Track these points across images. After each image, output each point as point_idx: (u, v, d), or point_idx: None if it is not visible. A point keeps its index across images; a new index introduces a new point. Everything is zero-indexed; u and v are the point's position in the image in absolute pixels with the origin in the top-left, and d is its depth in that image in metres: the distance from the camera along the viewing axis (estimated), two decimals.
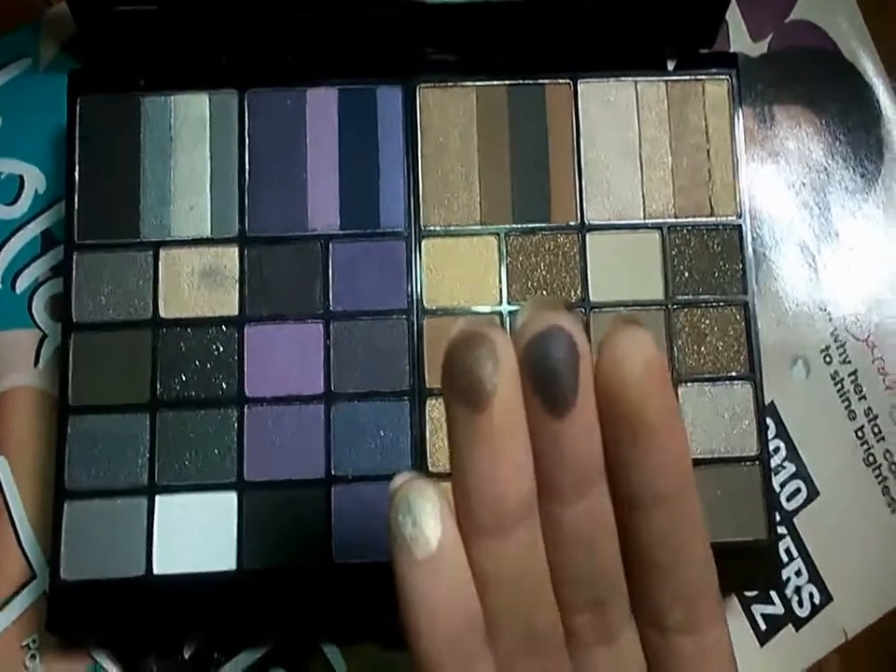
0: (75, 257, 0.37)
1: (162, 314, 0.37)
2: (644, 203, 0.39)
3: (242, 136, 0.38)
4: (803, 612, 0.41)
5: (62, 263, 0.38)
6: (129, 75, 0.38)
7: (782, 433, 0.41)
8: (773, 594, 0.41)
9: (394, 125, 0.39)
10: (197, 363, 0.37)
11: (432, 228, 0.38)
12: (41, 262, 0.40)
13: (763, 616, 0.40)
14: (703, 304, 0.38)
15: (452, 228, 0.38)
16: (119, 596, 0.35)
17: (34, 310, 0.40)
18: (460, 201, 0.39)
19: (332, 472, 0.36)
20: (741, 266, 0.38)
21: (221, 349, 0.37)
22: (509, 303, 0.38)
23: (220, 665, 0.37)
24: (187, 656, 0.37)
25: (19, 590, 0.37)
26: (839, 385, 0.41)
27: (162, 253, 0.38)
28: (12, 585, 0.37)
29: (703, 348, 0.38)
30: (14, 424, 0.39)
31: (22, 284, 0.40)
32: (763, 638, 0.39)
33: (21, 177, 0.41)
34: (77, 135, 0.38)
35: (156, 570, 0.35)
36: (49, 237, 0.41)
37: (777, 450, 0.41)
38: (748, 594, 0.39)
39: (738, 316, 0.38)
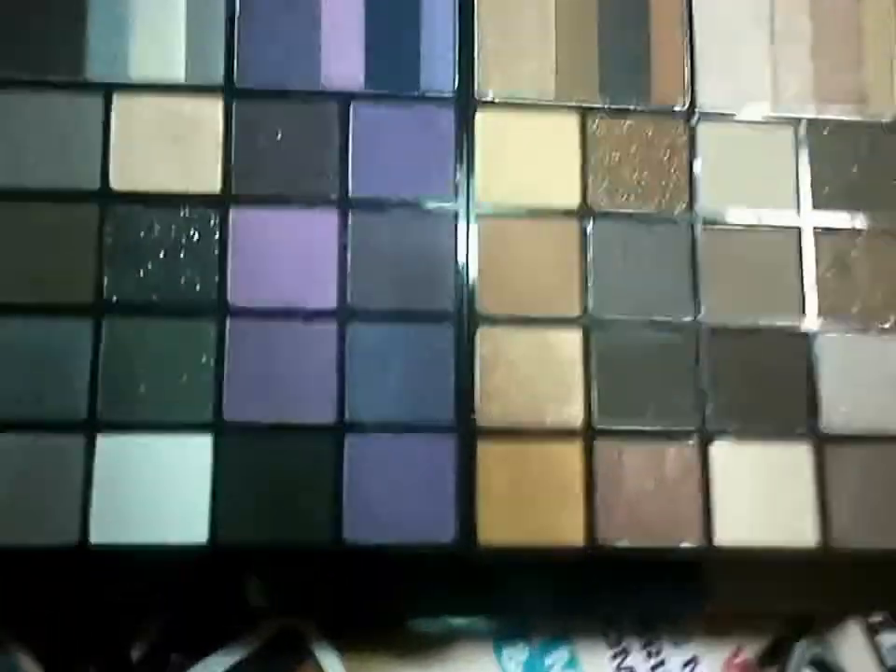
0: None
1: (114, 185, 0.29)
2: (775, 85, 0.31)
3: None
4: None
5: None
6: None
7: None
8: None
9: None
10: (162, 255, 0.29)
11: (491, 97, 0.30)
12: None
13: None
14: (851, 230, 0.31)
15: (517, 98, 0.31)
16: (42, 573, 0.27)
17: None
18: (529, 64, 0.31)
19: (345, 417, 0.28)
20: None
21: (197, 238, 0.29)
22: (588, 211, 0.29)
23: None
24: (135, 658, 0.30)
25: None
26: None
27: (116, 100, 0.29)
28: None
29: (847, 283, 0.30)
30: None
31: None
32: None
33: None
34: None
35: (93, 539, 0.28)
36: None
37: None
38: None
39: None
